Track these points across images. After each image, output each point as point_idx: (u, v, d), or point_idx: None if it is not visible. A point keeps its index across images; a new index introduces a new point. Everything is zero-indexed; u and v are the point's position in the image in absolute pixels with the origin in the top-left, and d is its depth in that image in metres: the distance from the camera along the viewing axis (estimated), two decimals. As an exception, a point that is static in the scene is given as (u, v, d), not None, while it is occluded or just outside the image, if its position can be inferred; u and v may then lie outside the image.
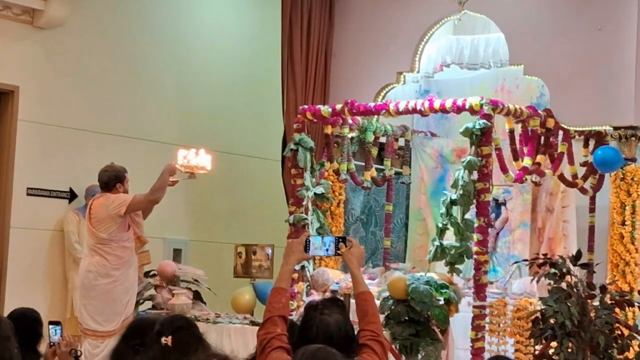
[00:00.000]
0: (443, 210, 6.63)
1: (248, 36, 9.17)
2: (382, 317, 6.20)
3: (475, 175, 6.48)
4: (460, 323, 6.55)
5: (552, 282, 5.23)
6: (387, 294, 6.46)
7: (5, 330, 3.32)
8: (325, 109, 7.38)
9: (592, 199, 7.51)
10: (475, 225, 6.44)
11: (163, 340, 3.25)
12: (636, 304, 5.37)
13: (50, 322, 4.18)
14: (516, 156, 6.97)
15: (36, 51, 7.56)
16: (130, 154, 7.93)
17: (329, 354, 2.87)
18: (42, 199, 7.58)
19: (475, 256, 6.43)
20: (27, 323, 4.04)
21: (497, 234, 8.19)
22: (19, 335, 3.72)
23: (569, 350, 5.16)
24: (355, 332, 3.31)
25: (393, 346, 6.15)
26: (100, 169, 6.38)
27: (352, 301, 5.83)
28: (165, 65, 8.51)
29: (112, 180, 6.29)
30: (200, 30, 8.82)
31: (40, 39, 7.56)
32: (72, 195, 7.77)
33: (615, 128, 7.04)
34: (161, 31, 8.47)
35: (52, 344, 4.10)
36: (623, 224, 6.86)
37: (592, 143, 7.40)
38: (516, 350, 6.39)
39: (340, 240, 3.39)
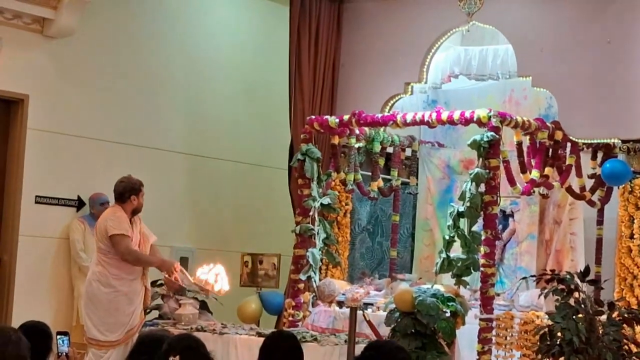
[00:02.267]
0: (450, 222, 6.62)
1: (256, 46, 9.18)
2: (388, 330, 6.19)
3: (482, 188, 6.47)
4: (466, 335, 6.53)
5: (559, 298, 5.22)
6: (393, 306, 6.45)
7: (23, 349, 3.34)
8: (332, 120, 7.38)
9: (600, 212, 7.49)
10: (483, 237, 6.44)
11: (171, 359, 3.27)
12: (644, 319, 5.36)
13: (59, 333, 4.20)
14: (524, 168, 6.96)
15: (46, 60, 7.57)
16: (138, 162, 7.97)
17: None
18: (50, 206, 7.60)
19: (482, 269, 6.42)
20: (37, 336, 4.05)
21: (504, 245, 8.15)
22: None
23: (577, 366, 5.16)
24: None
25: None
26: (117, 180, 6.37)
27: (360, 312, 5.86)
28: (174, 74, 8.53)
29: (127, 191, 6.27)
30: (209, 40, 8.84)
31: (50, 48, 7.58)
32: (79, 203, 7.79)
33: (624, 141, 7.03)
34: (170, 41, 8.49)
35: (59, 354, 4.12)
36: (631, 237, 6.84)
37: (600, 156, 7.38)
38: (523, 364, 6.38)
39: None
